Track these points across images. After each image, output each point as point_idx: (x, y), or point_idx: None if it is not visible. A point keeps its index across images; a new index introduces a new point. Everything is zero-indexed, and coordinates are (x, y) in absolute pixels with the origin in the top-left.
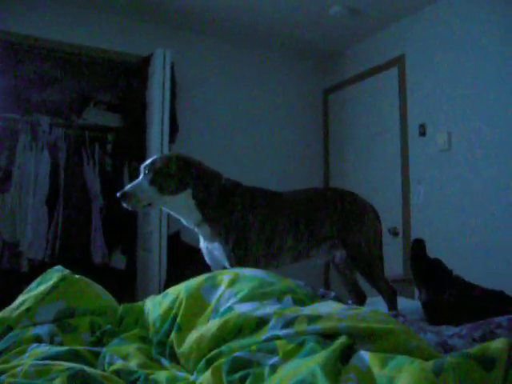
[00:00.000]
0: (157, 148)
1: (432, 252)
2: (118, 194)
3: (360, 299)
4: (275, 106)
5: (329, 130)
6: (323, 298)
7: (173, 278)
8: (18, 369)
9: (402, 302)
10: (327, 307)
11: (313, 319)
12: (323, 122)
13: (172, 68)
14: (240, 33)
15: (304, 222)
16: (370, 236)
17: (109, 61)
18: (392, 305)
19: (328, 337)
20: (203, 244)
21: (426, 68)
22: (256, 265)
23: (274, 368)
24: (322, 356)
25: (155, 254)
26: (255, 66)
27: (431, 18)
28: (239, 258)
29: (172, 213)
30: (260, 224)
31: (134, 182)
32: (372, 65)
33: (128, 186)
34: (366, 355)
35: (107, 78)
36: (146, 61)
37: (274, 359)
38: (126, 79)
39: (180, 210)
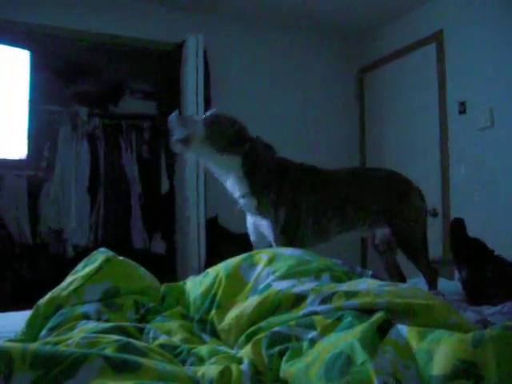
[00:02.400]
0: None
1: (472, 233)
2: (174, 114)
3: (400, 281)
4: (309, 88)
5: (365, 109)
6: (360, 276)
7: (211, 262)
8: (70, 341)
9: (442, 283)
10: (365, 284)
11: (350, 295)
12: (359, 102)
13: (205, 53)
14: (271, 15)
15: (352, 200)
16: (415, 215)
17: (143, 49)
18: (433, 285)
19: (366, 312)
20: (249, 219)
21: (466, 42)
22: (303, 243)
23: (312, 342)
24: (359, 329)
25: (194, 239)
26: (288, 48)
27: None
28: (288, 238)
29: (218, 175)
30: (309, 203)
31: (195, 117)
32: (409, 41)
33: (186, 116)
34: (403, 329)
35: (142, 67)
36: (179, 48)
37: (313, 333)
38: (161, 67)
39: (226, 175)
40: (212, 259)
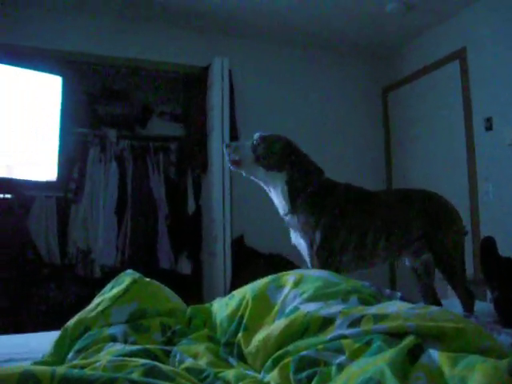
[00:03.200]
0: (218, 155)
1: (503, 252)
2: (224, 144)
3: (435, 305)
4: (333, 107)
5: (390, 128)
6: (389, 298)
7: (238, 282)
8: (97, 363)
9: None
10: (394, 307)
11: (379, 318)
12: (383, 121)
13: (230, 75)
14: (294, 35)
15: (395, 223)
16: (455, 237)
17: (170, 73)
18: (469, 308)
19: (395, 336)
20: (293, 236)
21: (489, 59)
22: (341, 268)
23: (340, 367)
24: (389, 355)
25: (220, 258)
26: (311, 68)
27: (493, 7)
28: (322, 260)
29: (268, 191)
30: (351, 226)
31: (242, 141)
32: (432, 60)
33: (235, 142)
34: (435, 354)
35: (169, 89)
36: (205, 70)
37: (341, 358)
38: (187, 89)
39: (272, 192)
40: (238, 279)
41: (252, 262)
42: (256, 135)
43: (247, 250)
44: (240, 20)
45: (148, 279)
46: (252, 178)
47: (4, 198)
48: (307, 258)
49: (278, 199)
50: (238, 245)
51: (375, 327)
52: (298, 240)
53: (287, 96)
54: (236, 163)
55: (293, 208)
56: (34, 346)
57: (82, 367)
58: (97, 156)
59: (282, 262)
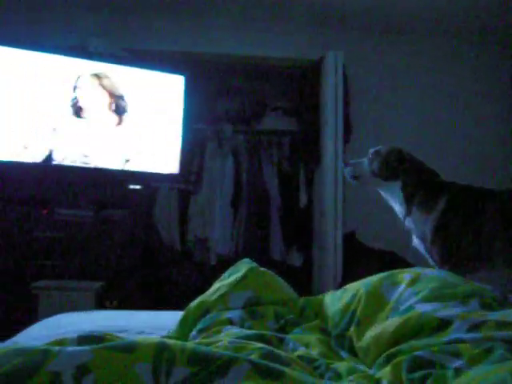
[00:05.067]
0: (331, 149)
1: None
2: (343, 163)
3: None
4: (457, 100)
5: None
6: None
7: (348, 277)
8: (220, 343)
9: None
10: None
11: (502, 325)
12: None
13: (343, 69)
14: (412, 24)
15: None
16: None
17: (283, 67)
18: None
19: None
20: (414, 239)
21: None
22: (461, 266)
23: (458, 371)
24: None
25: (331, 253)
26: (431, 58)
27: None
28: (442, 258)
29: (387, 199)
30: (465, 226)
31: (359, 159)
32: None
33: (352, 160)
34: None
35: (283, 84)
36: (318, 64)
37: (459, 362)
38: (301, 83)
39: (390, 199)
40: (349, 274)
41: (363, 257)
42: (370, 151)
43: (359, 246)
44: (354, 11)
45: (263, 269)
46: (372, 187)
47: (135, 189)
48: (431, 262)
49: (396, 205)
50: (350, 240)
51: (498, 334)
52: (417, 241)
53: (405, 89)
54: (356, 178)
55: (408, 211)
56: (159, 322)
57: (207, 345)
58: (214, 150)
59: (394, 260)
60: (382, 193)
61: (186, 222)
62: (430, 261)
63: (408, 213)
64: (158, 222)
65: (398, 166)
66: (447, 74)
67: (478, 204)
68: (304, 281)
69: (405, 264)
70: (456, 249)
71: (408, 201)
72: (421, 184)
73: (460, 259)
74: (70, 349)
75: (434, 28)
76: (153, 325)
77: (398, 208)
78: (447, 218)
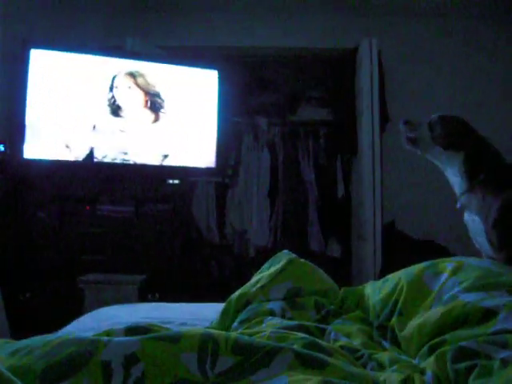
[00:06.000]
0: (368, 139)
1: None
2: (401, 120)
3: None
4: (493, 82)
5: None
6: None
7: (388, 267)
8: (262, 334)
9: None
10: None
11: None
12: None
13: (379, 56)
14: (447, 5)
15: None
16: None
17: (317, 57)
18: None
19: None
20: (466, 216)
21: None
22: None
23: (505, 362)
24: None
25: (370, 243)
26: (467, 40)
27: None
28: (502, 242)
29: (444, 170)
30: None
31: (420, 121)
32: None
33: (413, 119)
34: None
35: (317, 74)
36: (353, 53)
37: (505, 353)
38: (335, 73)
39: (448, 171)
40: (388, 265)
41: (403, 247)
42: (433, 116)
43: (398, 235)
44: None
45: (303, 260)
46: (427, 156)
47: (173, 184)
48: (482, 234)
49: (455, 178)
50: (389, 230)
51: None
52: (471, 217)
53: (443, 74)
54: (412, 141)
55: (470, 187)
56: (201, 314)
57: (250, 335)
58: (250, 143)
59: (435, 248)
60: (439, 163)
61: (224, 215)
62: (483, 245)
63: (470, 188)
64: (196, 215)
65: (463, 137)
66: (482, 56)
67: None
68: (343, 272)
69: (446, 253)
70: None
71: (471, 176)
72: (487, 161)
73: None
74: (119, 339)
75: (466, 9)
76: (195, 316)
77: (457, 182)
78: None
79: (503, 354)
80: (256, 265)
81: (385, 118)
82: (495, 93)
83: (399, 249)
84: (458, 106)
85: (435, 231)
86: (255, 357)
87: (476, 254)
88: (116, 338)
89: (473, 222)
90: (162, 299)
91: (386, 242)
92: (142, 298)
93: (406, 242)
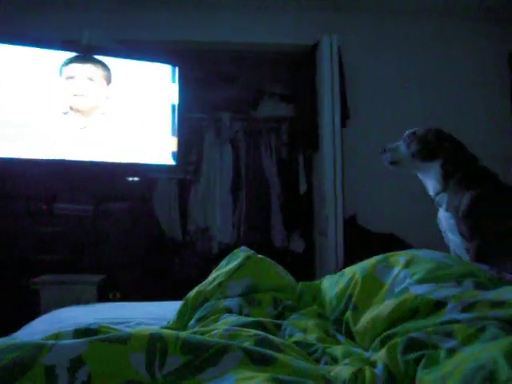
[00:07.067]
0: (329, 134)
1: None
2: (380, 149)
3: None
4: (455, 77)
5: None
6: (510, 283)
7: (350, 262)
8: (214, 332)
9: None
10: None
11: (496, 304)
12: (510, 87)
13: (339, 53)
14: (409, 4)
15: None
16: None
17: (278, 53)
18: None
19: None
20: (440, 214)
21: None
22: (491, 243)
23: (450, 351)
24: (505, 343)
25: (332, 238)
26: (428, 36)
27: None
28: (472, 231)
29: (420, 177)
30: (504, 208)
31: (396, 143)
32: None
33: (389, 144)
34: None
35: (278, 71)
36: (314, 49)
37: (452, 343)
38: (296, 69)
39: (426, 177)
40: (351, 258)
41: (364, 241)
42: (406, 133)
43: (359, 230)
44: None
45: (261, 256)
46: (410, 171)
47: (133, 181)
48: (450, 232)
49: (430, 181)
50: (351, 224)
51: (491, 313)
52: (443, 214)
53: (402, 69)
54: (394, 164)
55: (444, 187)
56: (160, 313)
57: (202, 334)
58: (212, 139)
59: (394, 242)
60: (419, 174)
61: (186, 212)
62: (454, 237)
63: (445, 188)
64: (158, 212)
65: (438, 145)
66: (446, 55)
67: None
68: (307, 267)
69: (404, 246)
70: (489, 224)
71: (447, 176)
72: (463, 163)
73: (490, 235)
74: (64, 342)
75: (431, 7)
76: (154, 316)
77: (433, 184)
78: (488, 195)
79: (450, 343)
80: (219, 262)
81: (346, 114)
82: (460, 90)
83: (360, 243)
84: (420, 102)
85: (394, 224)
86: (204, 356)
87: (436, 246)
88: (61, 342)
89: (445, 218)
90: (123, 298)
91: (347, 236)
92: (102, 297)
93: (366, 235)
